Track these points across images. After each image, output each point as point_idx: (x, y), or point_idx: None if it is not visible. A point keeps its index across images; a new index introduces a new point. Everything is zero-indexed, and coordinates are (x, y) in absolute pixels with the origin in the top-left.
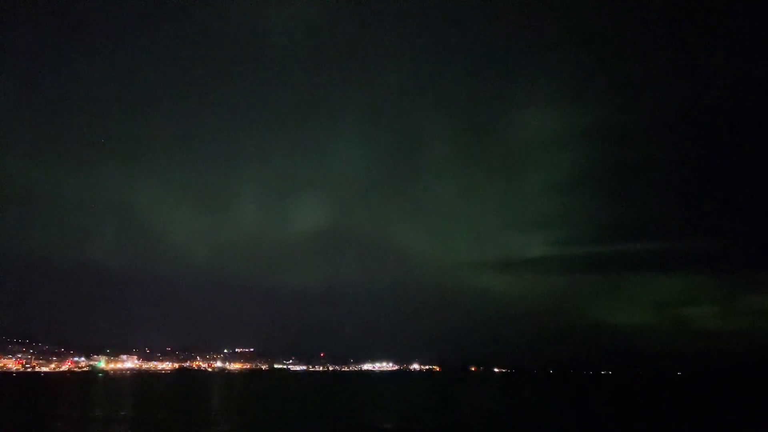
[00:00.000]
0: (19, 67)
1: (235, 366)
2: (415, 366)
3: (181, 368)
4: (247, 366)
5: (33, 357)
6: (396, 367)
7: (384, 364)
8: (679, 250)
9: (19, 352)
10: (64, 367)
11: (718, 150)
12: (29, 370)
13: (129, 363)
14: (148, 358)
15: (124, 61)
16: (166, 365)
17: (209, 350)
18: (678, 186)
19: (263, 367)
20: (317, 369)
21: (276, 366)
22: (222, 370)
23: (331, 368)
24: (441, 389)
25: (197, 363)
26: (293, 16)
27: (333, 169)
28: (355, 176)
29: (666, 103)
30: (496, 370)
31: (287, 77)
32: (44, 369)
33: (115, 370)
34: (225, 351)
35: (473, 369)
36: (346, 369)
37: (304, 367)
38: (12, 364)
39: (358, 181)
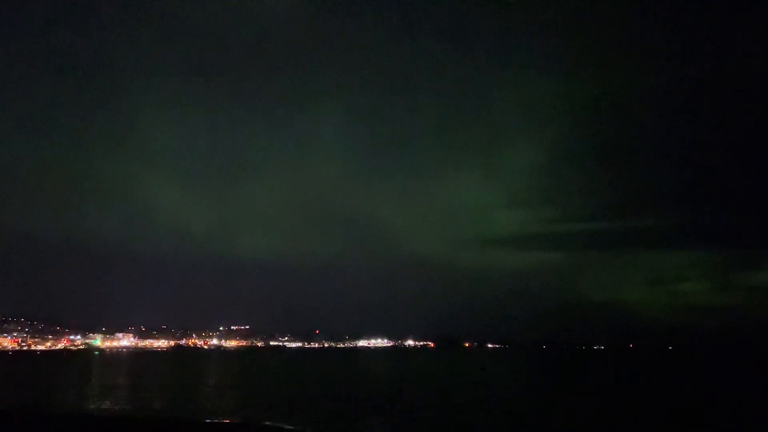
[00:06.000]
0: (9, 42)
1: (230, 343)
2: (410, 342)
3: (177, 346)
4: (243, 343)
5: (29, 335)
6: (391, 344)
7: (379, 340)
8: (673, 226)
9: (15, 331)
10: (60, 345)
11: (714, 127)
12: (25, 348)
13: (125, 341)
14: (144, 335)
15: (115, 37)
16: (162, 343)
17: (205, 328)
18: (674, 163)
19: (259, 344)
20: (312, 346)
21: (272, 343)
22: (218, 347)
23: (326, 345)
24: (436, 365)
25: (193, 340)
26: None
27: (324, 148)
28: (346, 156)
29: (665, 80)
30: (489, 345)
31: (278, 57)
32: (40, 347)
33: (111, 348)
34: (221, 328)
35: (467, 345)
36: (341, 345)
37: (300, 344)
38: (8, 342)
39: (350, 160)
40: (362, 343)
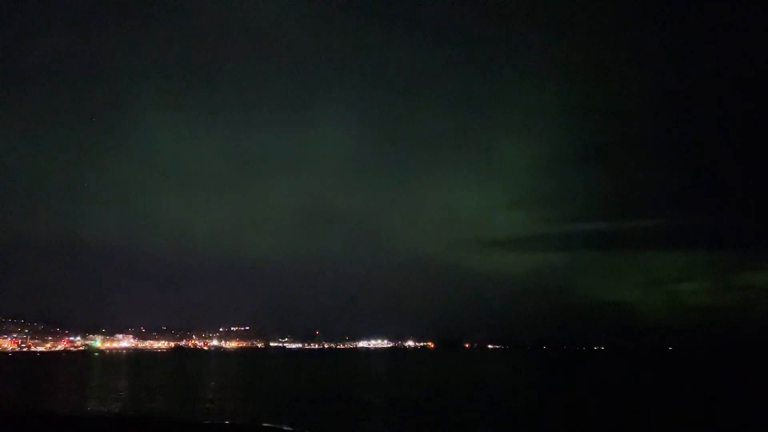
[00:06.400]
0: (9, 43)
1: (230, 344)
2: (410, 343)
3: (177, 347)
4: (243, 344)
5: (28, 337)
6: (390, 344)
7: (378, 341)
8: (673, 226)
9: (15, 332)
10: (60, 347)
11: (713, 128)
12: (25, 349)
13: (125, 342)
14: (143, 337)
15: (115, 38)
16: (162, 344)
17: (205, 329)
18: (674, 163)
19: (259, 345)
20: (312, 347)
21: (272, 344)
22: (218, 348)
23: (326, 346)
24: (436, 365)
25: (193, 341)
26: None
27: (324, 148)
28: (346, 156)
29: (665, 80)
30: (489, 346)
31: (278, 57)
32: (40, 348)
33: (110, 349)
34: (221, 329)
35: (467, 345)
36: (341, 346)
37: (300, 345)
38: (7, 344)
39: (350, 160)
40: (362, 343)
